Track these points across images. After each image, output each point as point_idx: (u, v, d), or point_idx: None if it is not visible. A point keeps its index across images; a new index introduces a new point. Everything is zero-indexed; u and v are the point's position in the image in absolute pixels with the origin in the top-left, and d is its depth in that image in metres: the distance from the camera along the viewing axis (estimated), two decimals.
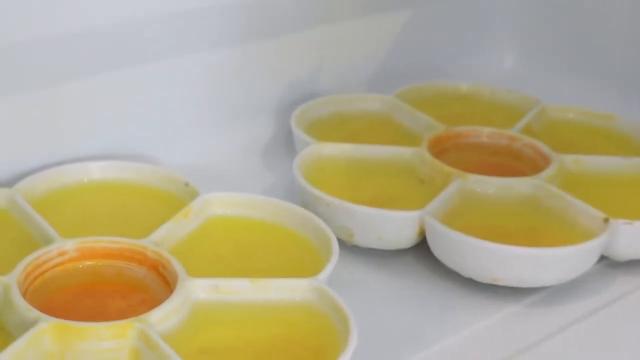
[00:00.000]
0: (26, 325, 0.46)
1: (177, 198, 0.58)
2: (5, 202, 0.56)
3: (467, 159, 0.64)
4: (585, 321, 0.54)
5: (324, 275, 0.51)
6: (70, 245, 0.52)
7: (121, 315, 0.48)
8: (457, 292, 0.56)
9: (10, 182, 0.57)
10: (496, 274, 0.53)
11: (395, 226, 0.56)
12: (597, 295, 0.56)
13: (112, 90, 0.62)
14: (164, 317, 0.47)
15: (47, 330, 0.45)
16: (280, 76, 0.71)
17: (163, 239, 0.53)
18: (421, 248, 0.57)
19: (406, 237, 0.56)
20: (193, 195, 0.57)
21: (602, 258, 0.57)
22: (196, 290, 0.49)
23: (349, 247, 0.58)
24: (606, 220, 0.56)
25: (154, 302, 0.49)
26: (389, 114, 0.70)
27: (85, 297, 0.50)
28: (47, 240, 0.52)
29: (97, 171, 0.59)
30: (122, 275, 0.52)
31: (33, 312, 0.46)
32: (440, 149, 0.64)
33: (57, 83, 0.59)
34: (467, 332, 0.53)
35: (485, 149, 0.66)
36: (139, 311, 0.48)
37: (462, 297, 0.55)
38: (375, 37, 0.76)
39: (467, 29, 0.82)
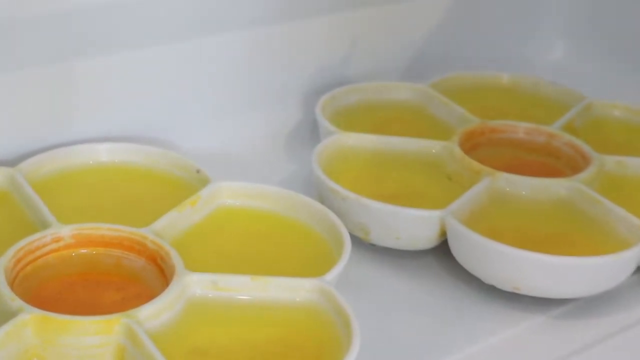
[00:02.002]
0: (8, 316, 0.43)
1: (187, 185, 0.55)
2: (5, 182, 0.53)
3: (500, 156, 0.61)
4: (616, 338, 0.51)
5: (331, 275, 0.48)
6: (66, 232, 0.49)
7: (114, 308, 0.45)
8: (478, 300, 0.53)
9: (14, 162, 0.55)
10: (518, 282, 0.50)
11: (414, 225, 0.52)
12: (631, 311, 0.53)
13: (127, 69, 0.60)
14: (154, 313, 0.44)
15: (30, 322, 0.43)
16: (308, 60, 0.68)
17: (165, 229, 0.50)
18: (443, 249, 0.54)
19: (426, 238, 0.53)
20: (204, 183, 0.54)
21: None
22: (193, 285, 0.47)
23: (365, 246, 0.55)
24: None
25: (150, 296, 0.46)
26: (422, 105, 0.67)
27: (78, 288, 0.48)
28: (45, 225, 0.50)
29: (104, 154, 0.56)
30: (119, 265, 0.49)
31: (16, 302, 0.44)
32: (473, 144, 0.61)
33: (69, 59, 0.57)
34: (486, 343, 0.50)
35: (521, 146, 0.63)
36: (133, 305, 0.45)
37: (483, 305, 0.52)
38: (412, 21, 0.73)
39: (513, 16, 0.78)
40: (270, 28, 0.65)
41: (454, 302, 0.53)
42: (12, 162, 0.55)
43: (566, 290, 0.51)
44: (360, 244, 0.55)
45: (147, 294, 0.46)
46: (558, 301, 0.52)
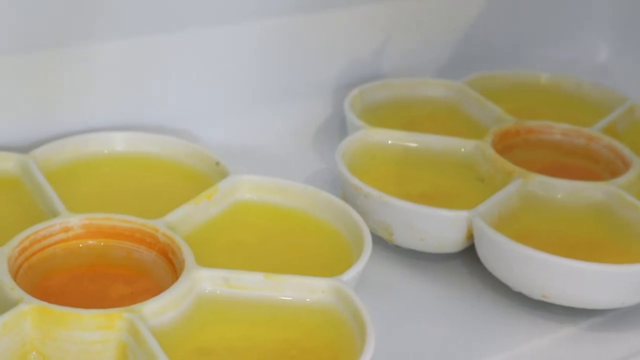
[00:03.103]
0: (8, 306, 0.42)
1: (205, 178, 0.53)
2: (17, 169, 0.52)
3: (535, 158, 0.59)
4: None
5: (349, 275, 0.45)
6: (75, 221, 0.47)
7: (121, 303, 0.43)
8: (507, 307, 0.50)
9: (27, 148, 0.53)
10: (547, 290, 0.47)
11: (439, 226, 0.50)
12: None
13: (151, 55, 0.58)
14: (160, 309, 0.42)
15: (29, 313, 0.41)
16: (340, 53, 0.66)
17: (179, 222, 0.48)
18: (472, 253, 0.52)
19: (452, 240, 0.51)
20: (223, 176, 0.52)
21: None
22: (202, 281, 0.45)
23: (390, 246, 0.53)
24: None
25: (159, 291, 0.44)
26: (456, 103, 0.65)
27: (85, 280, 0.46)
28: (54, 214, 0.48)
29: (120, 143, 0.55)
30: (129, 258, 0.47)
31: (16, 292, 0.42)
32: (507, 144, 0.59)
33: (88, 43, 0.55)
34: (511, 354, 0.47)
35: (558, 147, 0.60)
36: (141, 300, 0.43)
37: (511, 313, 0.50)
38: (449, 16, 0.70)
39: (555, 14, 0.75)
40: (302, 17, 0.63)
41: (480, 309, 0.50)
42: (26, 149, 0.53)
43: (599, 300, 0.48)
44: (384, 244, 0.53)
45: (157, 289, 0.44)
46: (590, 312, 0.49)
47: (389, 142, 0.58)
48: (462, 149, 0.57)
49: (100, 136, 0.55)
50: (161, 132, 0.57)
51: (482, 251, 0.50)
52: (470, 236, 0.50)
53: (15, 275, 0.44)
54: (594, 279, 0.47)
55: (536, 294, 0.48)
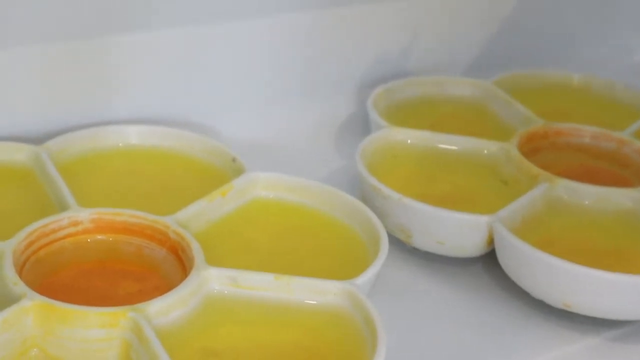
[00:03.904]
0: (11, 301, 0.40)
1: (221, 174, 0.52)
2: (30, 160, 0.51)
3: (563, 162, 0.57)
4: None
5: (362, 279, 0.44)
6: (85, 215, 0.46)
7: (128, 300, 0.42)
8: (527, 315, 0.49)
9: (41, 140, 0.52)
10: (569, 298, 0.46)
11: (459, 230, 0.49)
12: None
13: (171, 48, 0.57)
14: (165, 308, 0.41)
15: (31, 309, 0.40)
16: (366, 49, 0.64)
17: (191, 219, 0.47)
18: (494, 257, 0.50)
19: (472, 245, 0.49)
20: (239, 172, 0.51)
21: None
22: (211, 281, 0.43)
23: (408, 248, 0.51)
24: None
25: (168, 289, 0.43)
26: (483, 103, 0.63)
27: (94, 276, 0.45)
28: (64, 208, 0.47)
29: (134, 136, 0.54)
30: (139, 255, 0.46)
31: (19, 287, 0.41)
32: (533, 147, 0.57)
33: (106, 35, 0.54)
34: None
35: (587, 151, 0.59)
36: (149, 298, 0.42)
37: (532, 321, 0.49)
38: (480, 14, 0.69)
39: (589, 13, 0.74)
40: (328, 12, 0.62)
41: (499, 316, 0.49)
42: (40, 140, 0.52)
43: (622, 310, 0.46)
44: (403, 247, 0.51)
45: (166, 287, 0.43)
46: (613, 322, 0.48)
47: (412, 141, 0.56)
48: (485, 151, 0.56)
49: (115, 129, 0.54)
50: (179, 126, 0.56)
51: (502, 257, 0.48)
52: (491, 241, 0.49)
53: (21, 269, 0.43)
54: (619, 290, 0.45)
55: (557, 303, 0.47)
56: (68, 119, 0.54)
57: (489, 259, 0.50)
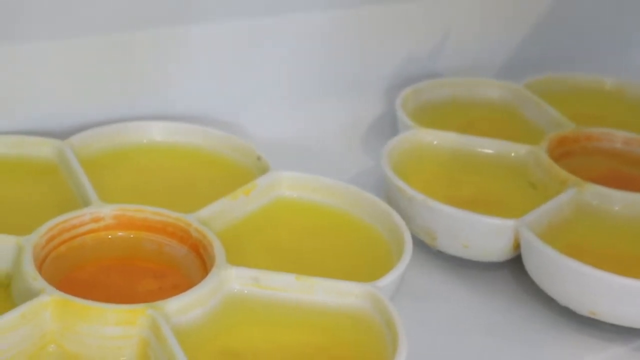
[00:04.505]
0: (30, 296, 0.40)
1: (245, 172, 0.52)
2: (54, 155, 0.51)
3: (593, 167, 0.56)
4: None
5: (385, 281, 0.43)
6: (107, 212, 0.46)
7: (148, 298, 0.41)
8: (552, 323, 0.48)
9: (66, 135, 0.52)
10: (595, 306, 0.45)
11: (484, 234, 0.48)
12: None
13: (200, 44, 0.56)
14: (184, 307, 0.41)
15: (49, 304, 0.40)
16: (396, 49, 0.64)
17: (213, 217, 0.47)
18: (520, 262, 0.49)
19: (498, 249, 0.48)
20: (263, 171, 0.51)
21: None
22: (231, 280, 0.43)
23: (432, 251, 0.50)
24: None
25: (188, 287, 0.42)
26: (514, 106, 0.62)
27: (114, 273, 0.44)
28: (86, 203, 0.47)
29: (159, 132, 0.53)
30: (160, 252, 0.46)
31: (38, 282, 0.41)
32: (563, 151, 0.56)
33: (134, 30, 0.54)
34: None
35: (618, 157, 0.58)
36: (168, 297, 0.41)
37: (557, 329, 0.48)
38: (512, 15, 0.68)
39: (626, 15, 0.72)
40: (358, 10, 0.61)
41: (524, 322, 0.48)
42: (65, 135, 0.52)
43: None
44: (427, 250, 0.51)
45: (186, 285, 0.43)
46: None
47: (439, 143, 0.56)
48: (514, 154, 0.55)
49: (140, 125, 0.53)
50: (206, 124, 0.55)
51: (528, 262, 0.47)
52: (517, 246, 0.48)
53: (41, 264, 0.43)
54: None
55: (583, 310, 0.46)
56: (93, 114, 0.53)
57: (515, 264, 0.50)
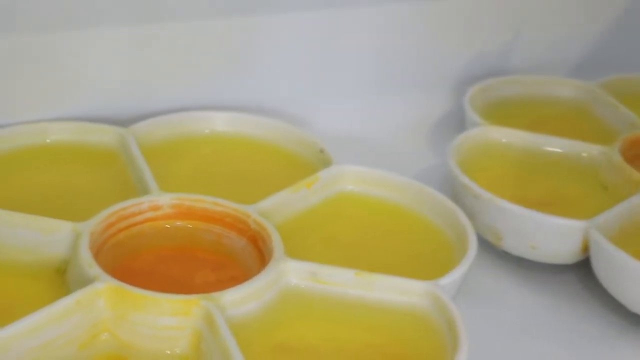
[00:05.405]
0: (85, 283, 0.40)
1: (307, 165, 0.51)
2: (116, 143, 0.50)
3: None
4: None
5: (447, 280, 0.42)
6: (165, 200, 0.45)
7: (204, 290, 0.40)
8: (621, 329, 0.46)
9: (128, 122, 0.52)
10: None
11: (552, 235, 0.46)
12: None
13: (265, 36, 0.55)
14: (240, 299, 0.40)
15: (103, 292, 0.39)
16: (467, 44, 0.62)
17: (273, 209, 0.46)
18: (589, 266, 0.47)
19: (566, 251, 0.47)
20: (326, 164, 0.50)
21: None
22: (289, 274, 0.42)
23: (497, 252, 0.49)
24: None
25: (245, 279, 0.41)
26: (587, 105, 0.60)
27: (171, 263, 0.44)
28: (145, 191, 0.46)
29: (221, 122, 0.53)
30: (219, 243, 0.45)
31: (94, 269, 0.40)
32: (637, 152, 0.54)
33: (208, 18, 0.53)
34: None
35: None
36: (225, 288, 0.40)
37: (626, 336, 0.46)
38: (588, 11, 0.66)
39: None
40: (429, 4, 0.59)
41: (591, 328, 0.46)
42: (127, 122, 0.51)
43: None
44: (492, 250, 0.49)
45: (243, 277, 0.42)
46: None
47: (507, 141, 0.54)
48: (585, 154, 0.53)
49: (203, 115, 0.53)
50: (270, 114, 0.55)
51: (597, 265, 0.46)
52: (587, 248, 0.46)
53: (98, 251, 0.42)
54: None
55: None
56: (156, 102, 0.53)
57: (583, 268, 0.48)
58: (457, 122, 0.60)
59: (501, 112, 0.58)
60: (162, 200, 0.45)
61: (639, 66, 0.64)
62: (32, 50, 0.50)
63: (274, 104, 0.56)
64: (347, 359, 0.39)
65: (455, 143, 0.52)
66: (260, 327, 0.40)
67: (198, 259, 0.44)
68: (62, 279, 0.41)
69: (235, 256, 0.44)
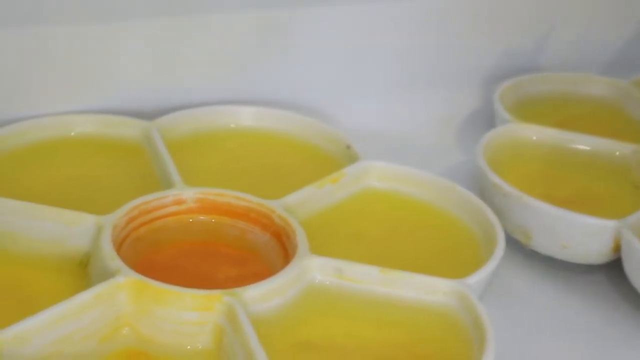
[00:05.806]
0: (106, 276, 0.39)
1: (333, 161, 0.50)
2: (140, 136, 0.50)
3: None
4: None
5: (474, 279, 0.41)
6: (189, 195, 0.45)
7: (227, 285, 0.40)
8: None
9: (153, 115, 0.51)
10: None
11: (583, 235, 0.45)
12: None
13: (291, 30, 0.55)
14: (263, 295, 0.39)
15: (124, 286, 0.39)
16: (497, 40, 0.61)
17: (298, 205, 0.45)
18: (619, 267, 0.46)
19: (597, 251, 0.46)
20: (352, 160, 0.49)
21: None
22: (313, 270, 0.41)
23: (526, 251, 0.48)
24: None
25: (268, 275, 0.41)
26: (619, 103, 0.60)
27: (194, 257, 0.43)
28: (169, 185, 0.46)
29: (247, 117, 0.52)
30: (242, 238, 0.44)
31: (115, 263, 0.40)
32: None
33: (235, 12, 0.52)
34: None
35: None
36: (248, 283, 0.40)
37: None
38: (622, 8, 0.64)
39: None
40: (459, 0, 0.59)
41: (621, 330, 0.45)
42: (152, 116, 0.51)
43: None
44: (520, 249, 0.48)
45: (266, 273, 0.41)
46: None
47: (538, 138, 0.53)
48: (617, 152, 0.52)
49: (228, 109, 0.52)
50: (296, 109, 0.54)
51: (629, 266, 0.45)
52: (618, 248, 0.45)
53: (120, 245, 0.42)
54: None
55: None
56: (181, 96, 0.52)
57: (613, 268, 0.47)
58: (484, 119, 0.59)
59: (531, 109, 0.57)
60: (185, 194, 0.45)
61: None
62: (58, 42, 0.50)
63: (301, 100, 0.56)
64: (370, 357, 0.38)
65: (484, 140, 0.51)
66: (283, 323, 0.39)
67: (221, 254, 0.43)
68: (84, 271, 0.41)
69: (258, 251, 0.44)
